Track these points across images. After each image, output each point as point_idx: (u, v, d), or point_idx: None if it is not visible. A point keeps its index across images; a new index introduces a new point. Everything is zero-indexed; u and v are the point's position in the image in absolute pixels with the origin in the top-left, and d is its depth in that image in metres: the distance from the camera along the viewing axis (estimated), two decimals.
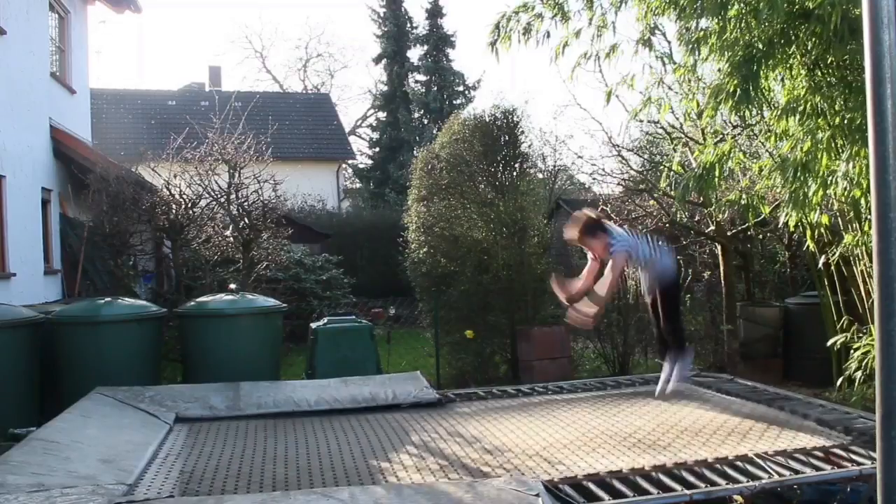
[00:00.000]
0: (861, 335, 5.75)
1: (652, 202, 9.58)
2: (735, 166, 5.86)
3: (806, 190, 5.05)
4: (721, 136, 7.05)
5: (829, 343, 6.23)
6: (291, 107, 25.91)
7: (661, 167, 9.38)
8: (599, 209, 5.17)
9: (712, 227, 8.91)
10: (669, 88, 6.65)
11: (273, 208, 10.38)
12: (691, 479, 3.91)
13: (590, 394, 6.34)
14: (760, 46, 4.87)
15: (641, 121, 8.80)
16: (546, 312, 9.28)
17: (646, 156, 10.54)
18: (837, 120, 4.86)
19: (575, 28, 5.67)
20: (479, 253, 9.03)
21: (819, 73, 5.07)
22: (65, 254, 11.61)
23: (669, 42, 6.57)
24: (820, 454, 4.29)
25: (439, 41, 27.48)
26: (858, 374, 5.58)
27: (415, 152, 13.96)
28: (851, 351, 5.74)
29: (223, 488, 4.03)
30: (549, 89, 52.79)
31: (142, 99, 23.92)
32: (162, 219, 9.94)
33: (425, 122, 27.17)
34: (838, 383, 5.98)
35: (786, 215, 5.56)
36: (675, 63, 6.05)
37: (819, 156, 4.90)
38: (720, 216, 8.50)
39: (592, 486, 3.81)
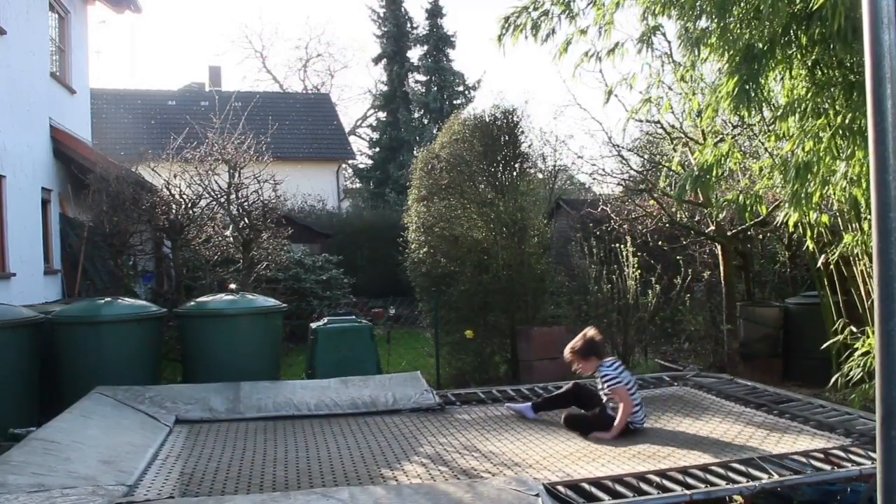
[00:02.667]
0: (857, 336, 5.75)
1: (652, 202, 9.58)
2: (734, 166, 5.86)
3: (809, 190, 5.05)
4: (721, 136, 7.05)
5: (825, 346, 6.24)
6: (291, 107, 25.92)
7: (661, 167, 9.38)
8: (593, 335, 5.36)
9: (712, 227, 8.91)
10: (669, 88, 6.65)
11: (273, 208, 10.37)
12: (691, 480, 3.91)
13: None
14: (761, 46, 4.88)
15: (641, 121, 8.81)
16: (546, 312, 9.28)
17: (646, 156, 10.55)
18: (839, 120, 4.85)
19: (580, 26, 5.70)
20: (479, 253, 9.02)
21: (820, 73, 5.07)
22: (65, 254, 11.61)
23: (669, 42, 6.58)
24: (820, 455, 4.29)
25: (439, 41, 27.50)
26: (858, 373, 5.58)
27: (415, 152, 13.96)
28: (852, 352, 5.74)
29: (223, 489, 4.04)
30: (550, 89, 52.81)
31: (142, 99, 23.93)
32: (162, 219, 9.94)
33: (425, 122, 27.19)
34: (838, 383, 5.98)
35: (785, 215, 5.56)
36: (674, 62, 6.05)
37: (822, 155, 4.90)
38: (720, 216, 8.50)
39: (592, 488, 3.81)
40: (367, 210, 22.99)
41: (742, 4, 4.95)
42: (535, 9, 5.63)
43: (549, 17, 5.63)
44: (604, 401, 5.24)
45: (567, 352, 5.37)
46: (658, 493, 3.77)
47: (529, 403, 5.65)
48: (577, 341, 5.37)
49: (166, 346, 8.15)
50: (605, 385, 5.15)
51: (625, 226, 9.86)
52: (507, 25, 5.70)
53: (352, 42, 66.66)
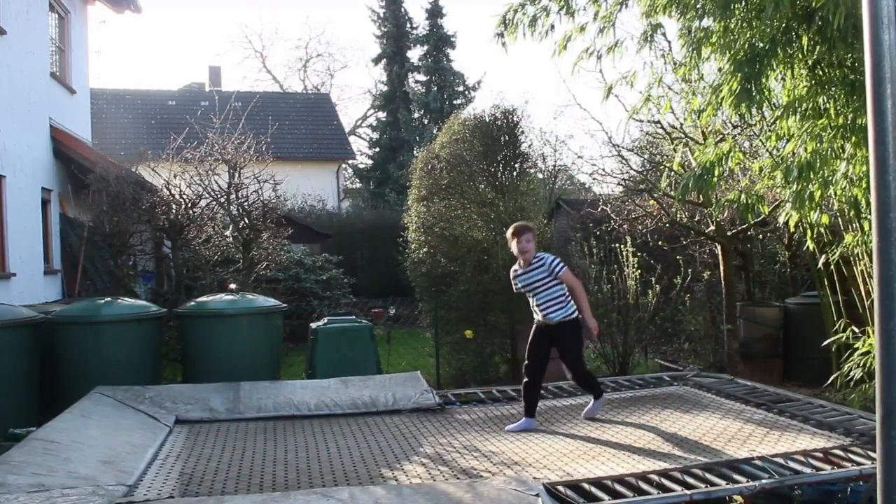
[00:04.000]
0: (857, 336, 5.75)
1: (652, 202, 9.58)
2: (735, 166, 5.85)
3: (811, 190, 5.04)
4: (721, 135, 7.04)
5: (824, 344, 6.23)
6: (291, 107, 25.90)
7: (662, 167, 9.38)
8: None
9: (712, 227, 8.91)
10: (669, 88, 6.65)
11: (273, 208, 10.37)
12: (691, 480, 3.91)
13: (590, 398, 6.31)
14: (762, 45, 4.87)
15: (641, 121, 8.80)
16: None
17: (646, 156, 10.54)
18: (840, 120, 4.85)
19: (580, 23, 5.69)
20: (479, 253, 9.02)
21: (821, 73, 5.07)
22: (65, 254, 11.61)
23: (670, 42, 6.57)
24: (820, 455, 4.29)
25: (439, 41, 27.48)
26: (858, 373, 5.58)
27: (415, 152, 13.95)
28: (852, 352, 5.74)
29: (223, 489, 4.04)
30: (550, 89, 52.85)
31: (142, 99, 23.92)
32: (162, 219, 9.94)
33: (425, 122, 27.18)
34: (838, 383, 5.98)
35: (786, 215, 5.55)
36: (675, 62, 6.04)
37: (824, 155, 4.89)
38: (720, 216, 8.49)
39: (592, 488, 3.81)
40: (367, 210, 22.98)
41: (743, 3, 4.94)
42: (533, 3, 5.63)
43: (546, 14, 5.63)
44: (535, 304, 5.39)
45: (517, 227, 5.41)
46: (658, 492, 3.77)
47: (522, 420, 5.39)
48: (524, 223, 5.67)
49: (166, 346, 8.14)
50: (558, 269, 5.28)
51: (625, 226, 9.85)
52: (504, 22, 5.70)
53: (352, 42, 66.65)
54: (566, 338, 5.35)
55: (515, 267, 5.53)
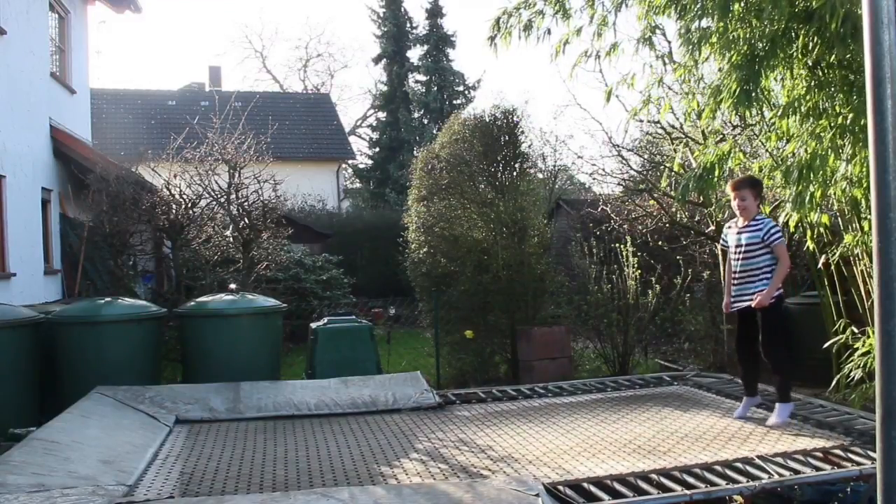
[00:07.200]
0: (857, 337, 5.74)
1: (652, 202, 9.58)
2: (735, 166, 5.85)
3: (811, 191, 5.04)
4: (721, 136, 7.04)
5: (825, 346, 6.23)
6: (291, 107, 25.92)
7: (662, 167, 9.38)
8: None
9: (712, 227, 8.91)
10: (669, 88, 6.64)
11: (273, 208, 10.37)
12: (691, 480, 3.91)
13: (590, 396, 6.33)
14: (762, 46, 4.87)
15: (641, 121, 8.80)
16: (546, 312, 9.28)
17: (646, 156, 10.54)
18: (840, 120, 4.85)
19: (576, 26, 5.65)
20: (479, 253, 9.02)
21: (820, 73, 5.07)
22: (65, 254, 11.61)
23: (669, 42, 6.56)
24: (820, 455, 4.29)
25: (439, 41, 27.48)
26: (858, 373, 5.58)
27: (415, 152, 13.96)
28: (852, 352, 5.74)
29: (223, 489, 4.04)
30: (550, 89, 52.87)
31: (142, 99, 23.93)
32: (162, 219, 9.93)
33: (425, 122, 27.17)
34: (839, 383, 5.98)
35: (786, 215, 5.55)
36: (675, 62, 6.04)
37: (824, 156, 4.89)
38: (720, 216, 8.49)
39: (592, 488, 3.81)
40: (367, 210, 22.99)
41: (742, 3, 4.94)
42: (528, 7, 5.58)
43: (541, 17, 5.59)
44: (735, 263, 5.11)
45: (736, 182, 5.17)
46: (658, 492, 3.77)
47: (745, 403, 5.36)
48: (747, 175, 5.33)
49: (166, 346, 8.14)
50: (773, 239, 5.02)
51: (625, 226, 9.85)
52: (497, 26, 5.66)
53: (352, 42, 66.75)
54: (767, 315, 5.01)
55: (730, 224, 5.31)
